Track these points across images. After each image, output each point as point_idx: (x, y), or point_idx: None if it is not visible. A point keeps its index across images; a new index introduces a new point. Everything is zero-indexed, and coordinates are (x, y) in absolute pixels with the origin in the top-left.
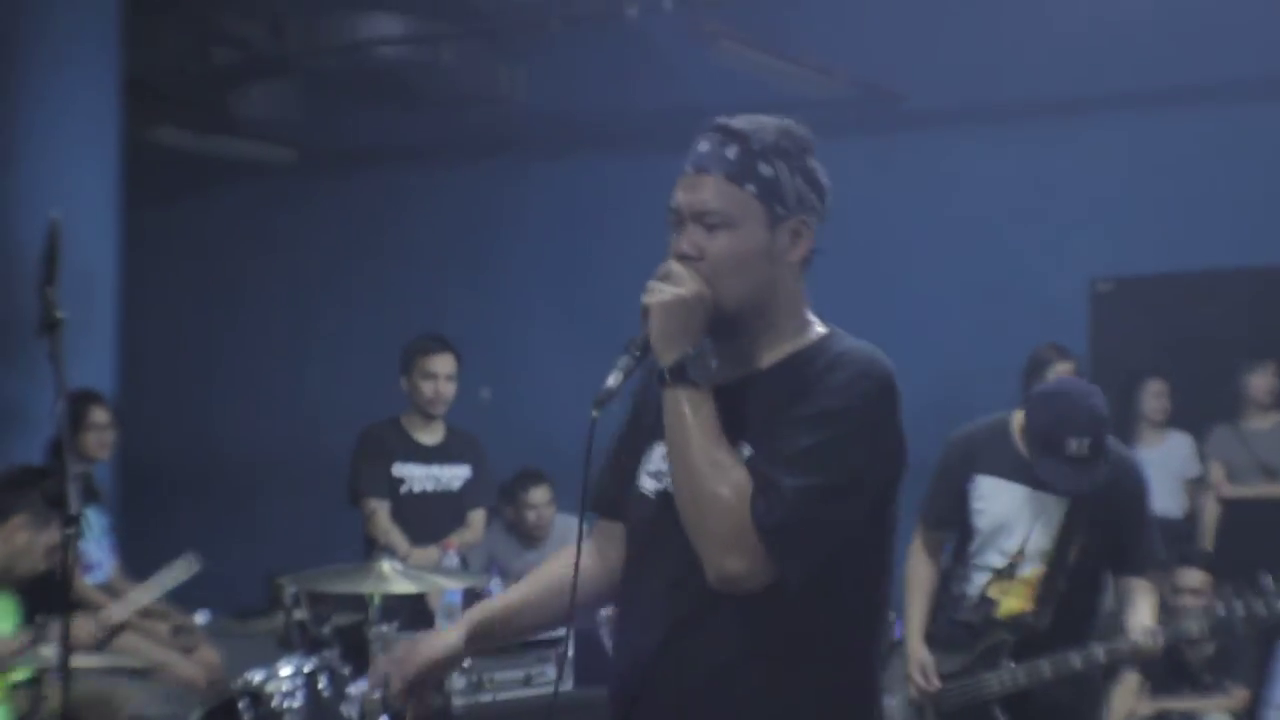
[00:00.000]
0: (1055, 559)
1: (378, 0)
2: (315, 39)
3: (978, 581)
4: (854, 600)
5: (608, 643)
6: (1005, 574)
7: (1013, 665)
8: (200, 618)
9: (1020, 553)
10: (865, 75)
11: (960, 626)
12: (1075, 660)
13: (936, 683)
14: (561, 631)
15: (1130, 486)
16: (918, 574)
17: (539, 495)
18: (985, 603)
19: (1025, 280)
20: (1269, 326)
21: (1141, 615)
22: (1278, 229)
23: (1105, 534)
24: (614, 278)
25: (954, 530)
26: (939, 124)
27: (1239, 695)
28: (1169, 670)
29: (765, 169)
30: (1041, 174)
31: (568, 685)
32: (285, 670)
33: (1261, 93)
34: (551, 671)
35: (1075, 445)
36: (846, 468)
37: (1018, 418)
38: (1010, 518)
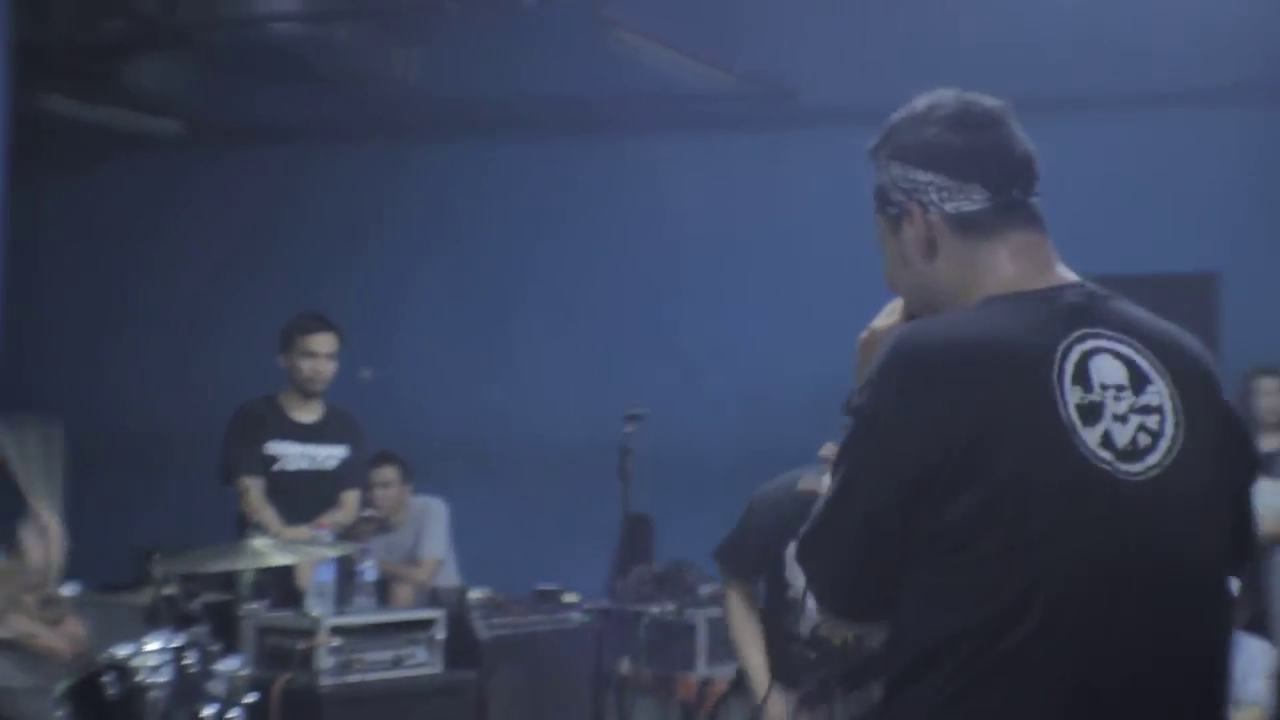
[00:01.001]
0: None
1: None
2: (208, 12)
3: (808, 619)
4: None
5: (478, 628)
6: None
7: (848, 695)
8: (68, 590)
9: None
10: (760, 70)
11: (796, 658)
12: None
13: None
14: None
15: None
16: (741, 618)
17: (384, 474)
18: (818, 639)
19: None
20: None
21: None
22: (1149, 239)
23: None
24: (497, 262)
25: (760, 577)
26: (831, 121)
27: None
28: None
29: (875, 177)
30: None
31: (438, 668)
32: (152, 645)
33: (1136, 104)
34: (420, 653)
35: None
36: (839, 473)
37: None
38: None
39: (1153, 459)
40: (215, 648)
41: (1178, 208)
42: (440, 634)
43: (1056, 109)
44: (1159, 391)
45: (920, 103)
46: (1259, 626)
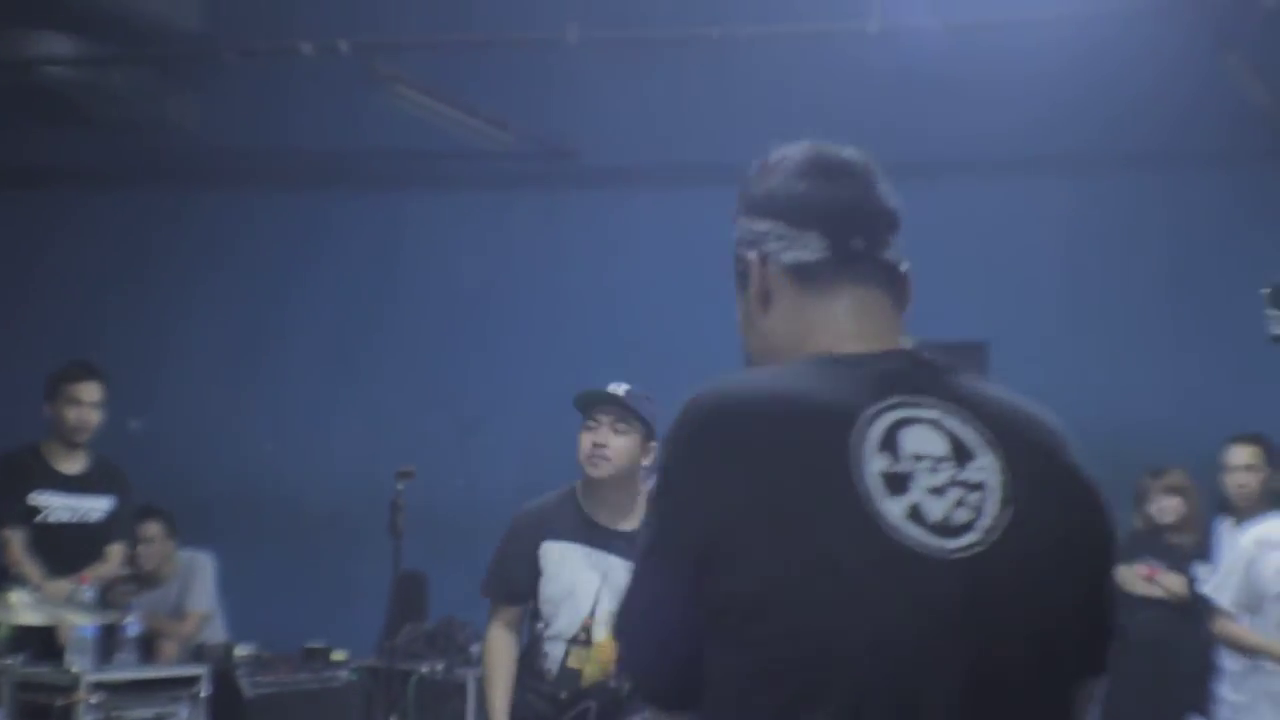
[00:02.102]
0: None
1: (48, 18)
2: None
3: (556, 654)
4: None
5: (244, 685)
6: (581, 641)
7: None
8: None
9: (591, 617)
10: (538, 131)
11: (548, 699)
12: None
13: None
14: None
15: None
16: (497, 654)
17: (150, 530)
18: (568, 673)
19: (688, 340)
20: None
21: None
22: (920, 306)
23: None
24: (270, 314)
25: (527, 604)
26: (609, 183)
27: None
28: None
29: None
30: (707, 237)
31: None
32: None
33: (909, 174)
34: (183, 710)
35: None
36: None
37: (580, 484)
38: (578, 582)
39: (973, 536)
40: None
41: (948, 275)
42: (204, 691)
43: None
44: (986, 466)
45: (774, 153)
46: None
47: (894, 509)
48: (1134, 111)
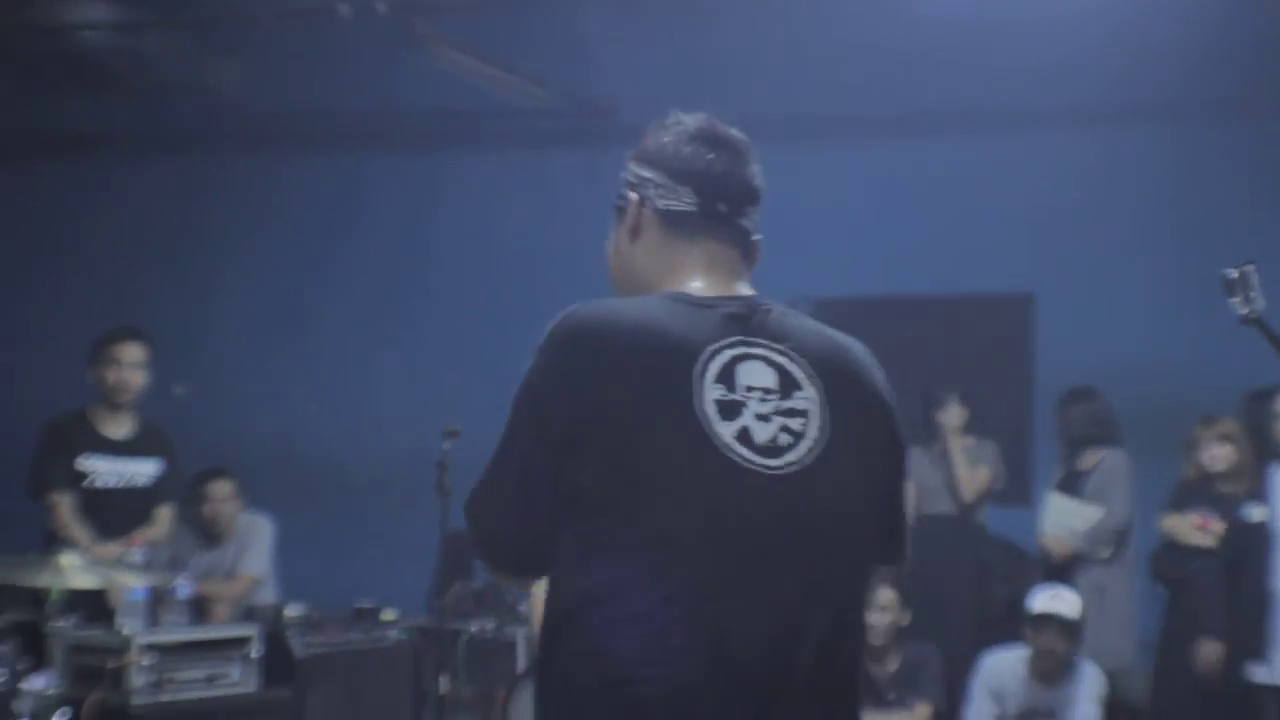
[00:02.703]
0: None
1: None
2: (16, 18)
3: None
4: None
5: (293, 644)
6: None
7: None
8: None
9: None
10: (577, 87)
11: None
12: None
13: None
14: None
15: None
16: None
17: (219, 489)
18: None
19: None
20: (955, 352)
21: None
22: (966, 259)
23: None
24: (314, 276)
25: None
26: None
27: (922, 711)
28: None
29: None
30: None
31: (252, 686)
32: None
33: (962, 126)
34: (235, 670)
35: None
36: (503, 434)
37: None
38: None
39: (792, 456)
40: (22, 666)
41: (994, 229)
42: (255, 652)
43: (872, 132)
44: (807, 397)
45: (673, 116)
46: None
47: (725, 431)
48: (1183, 62)
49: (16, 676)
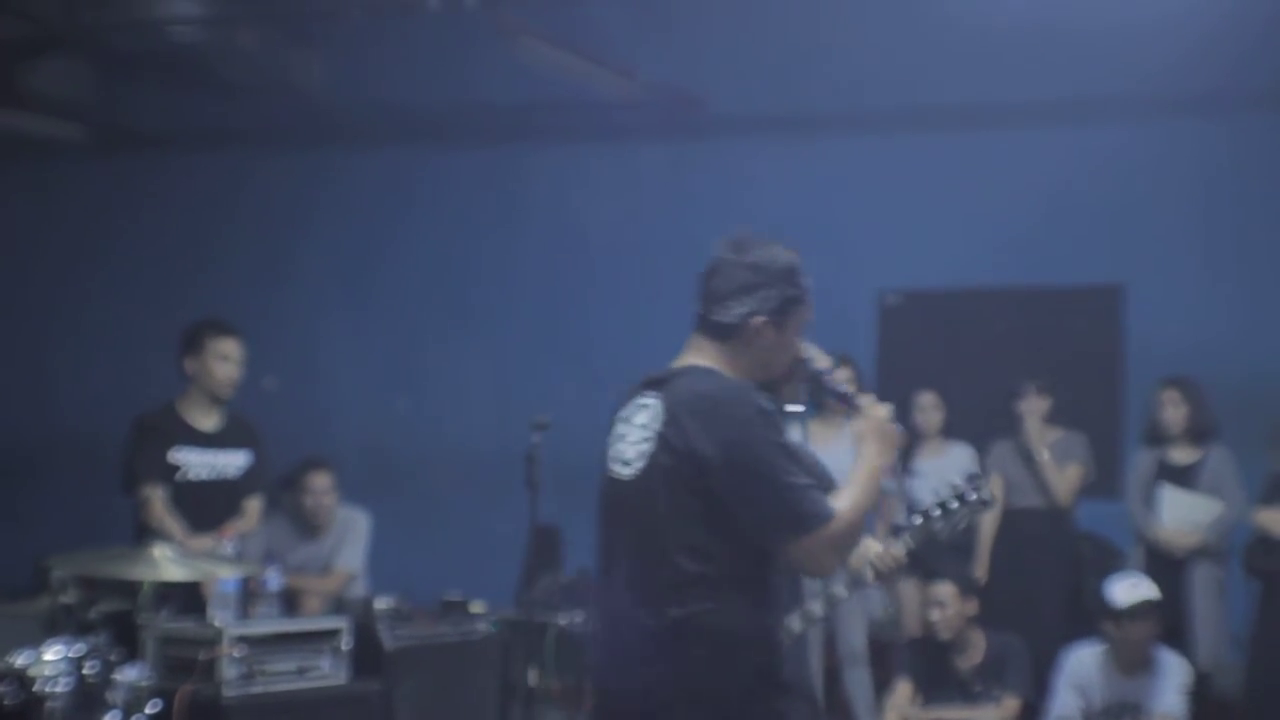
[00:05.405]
0: None
1: None
2: (107, 15)
3: None
4: None
5: (383, 637)
6: None
7: None
8: None
9: None
10: (665, 79)
11: None
12: None
13: None
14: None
15: None
16: None
17: (320, 482)
18: None
19: (816, 289)
20: (1044, 344)
21: None
22: (1055, 250)
23: None
24: (402, 270)
25: None
26: (736, 131)
27: (1009, 705)
28: (939, 679)
29: None
30: (835, 185)
31: (342, 678)
32: (51, 654)
33: (1043, 118)
34: (325, 662)
35: None
36: None
37: None
38: None
39: (635, 468)
40: (115, 657)
41: (1083, 220)
42: (345, 644)
43: (961, 123)
44: (655, 428)
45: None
46: (1175, 639)
47: (612, 452)
48: (1266, 52)
49: (109, 668)
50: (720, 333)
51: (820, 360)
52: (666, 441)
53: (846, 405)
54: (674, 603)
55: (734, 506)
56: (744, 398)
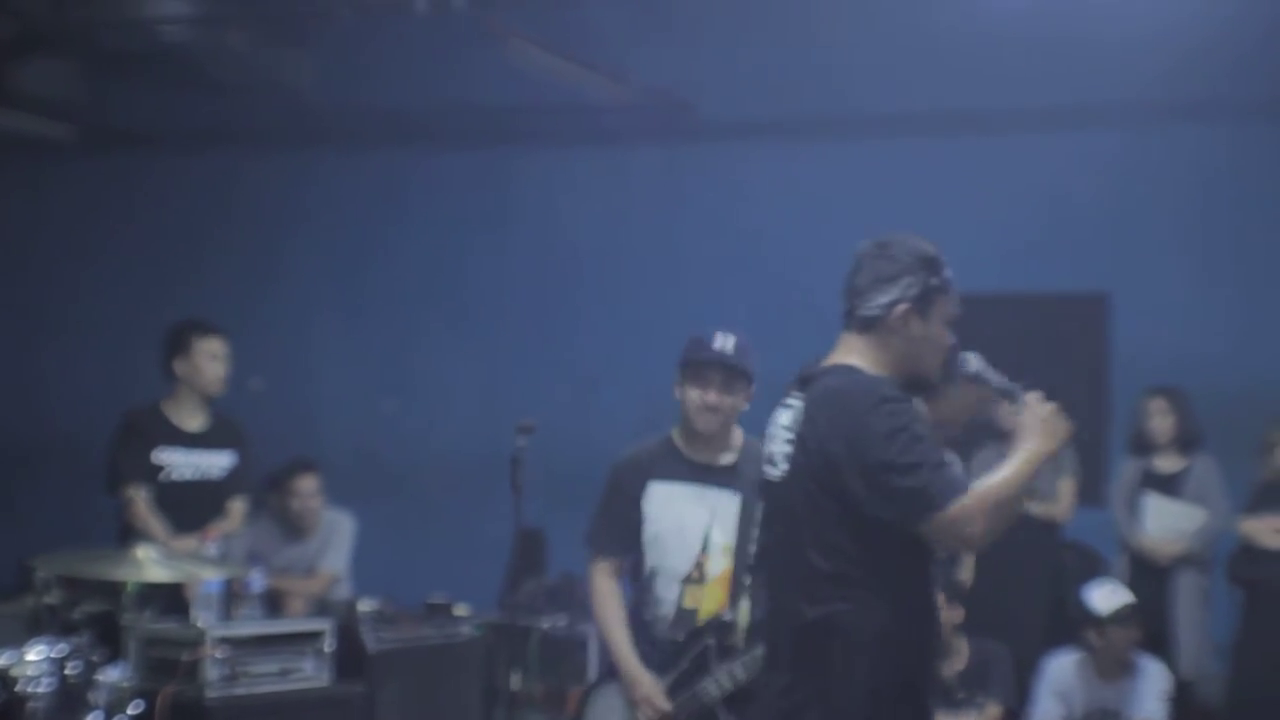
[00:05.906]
0: (738, 552)
1: None
2: (96, 14)
3: (669, 596)
4: None
5: (367, 640)
6: (695, 579)
7: (724, 666)
8: None
9: (704, 553)
10: (657, 83)
11: (663, 645)
12: None
13: (666, 705)
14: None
15: None
16: (608, 598)
17: (306, 484)
18: (684, 613)
19: (805, 293)
20: (1034, 353)
21: None
22: (1047, 257)
23: None
24: (391, 272)
25: (628, 554)
26: (727, 136)
27: (992, 712)
28: None
29: None
30: (826, 191)
31: (325, 680)
32: (33, 654)
33: (1038, 124)
34: (308, 665)
35: None
36: None
37: (676, 430)
38: (686, 520)
39: (784, 467)
40: (98, 657)
41: (1068, 228)
42: (328, 646)
43: (954, 129)
44: (793, 431)
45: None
46: (1159, 647)
47: (767, 454)
48: (1263, 60)
49: (92, 668)
50: (865, 326)
51: (973, 361)
52: (804, 442)
53: (1010, 399)
54: (810, 601)
55: (866, 498)
56: (869, 389)
